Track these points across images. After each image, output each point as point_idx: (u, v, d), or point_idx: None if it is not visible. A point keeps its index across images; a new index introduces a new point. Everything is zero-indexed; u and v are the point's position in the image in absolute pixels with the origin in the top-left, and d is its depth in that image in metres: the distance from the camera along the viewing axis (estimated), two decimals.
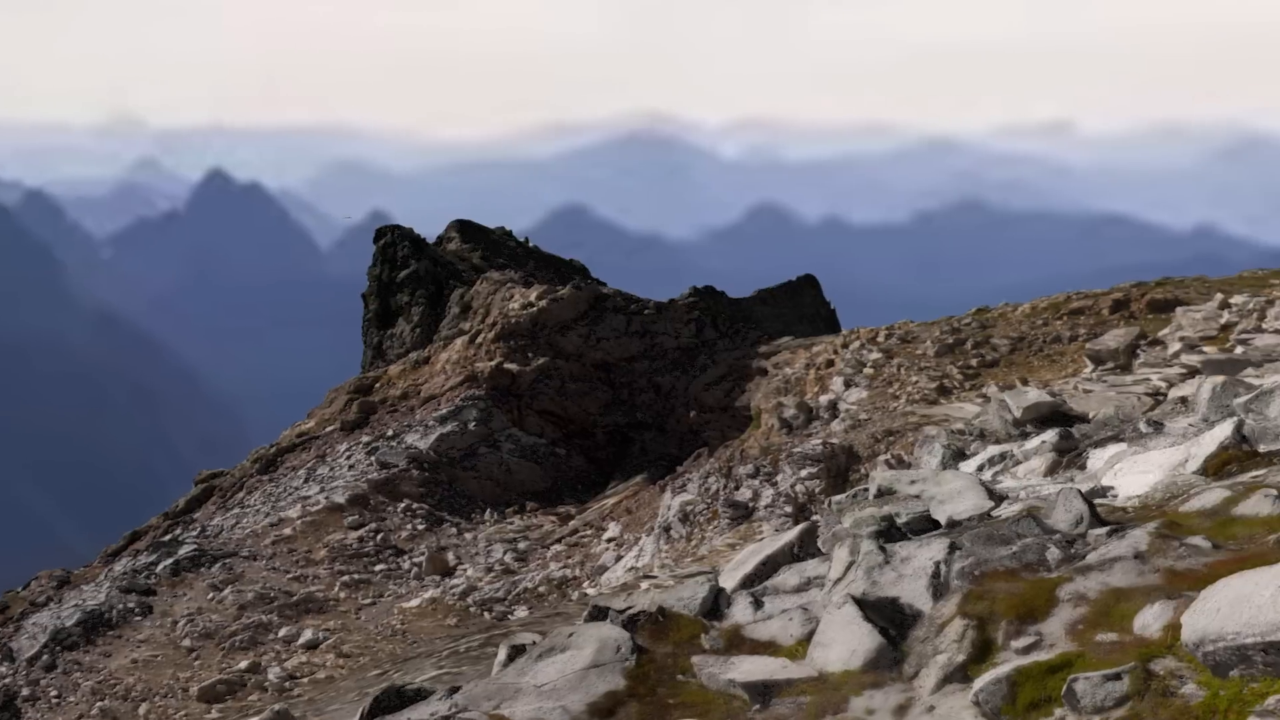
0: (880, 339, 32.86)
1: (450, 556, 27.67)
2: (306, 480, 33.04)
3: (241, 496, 34.03)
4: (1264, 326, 31.53)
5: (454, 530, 29.84)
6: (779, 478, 24.92)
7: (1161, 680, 5.80)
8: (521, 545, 28.73)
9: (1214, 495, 10.45)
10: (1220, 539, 7.94)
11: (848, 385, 30.08)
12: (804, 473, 24.48)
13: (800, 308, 44.47)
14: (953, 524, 9.05)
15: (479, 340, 37.90)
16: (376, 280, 46.43)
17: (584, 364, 36.71)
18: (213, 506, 34.51)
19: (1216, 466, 13.34)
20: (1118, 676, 5.84)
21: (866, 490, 11.34)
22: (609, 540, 28.10)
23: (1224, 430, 14.73)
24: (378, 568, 26.77)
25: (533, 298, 38.67)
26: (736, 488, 25.52)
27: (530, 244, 51.96)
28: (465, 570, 26.86)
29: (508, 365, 36.08)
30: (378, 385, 39.21)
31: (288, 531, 28.42)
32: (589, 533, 29.32)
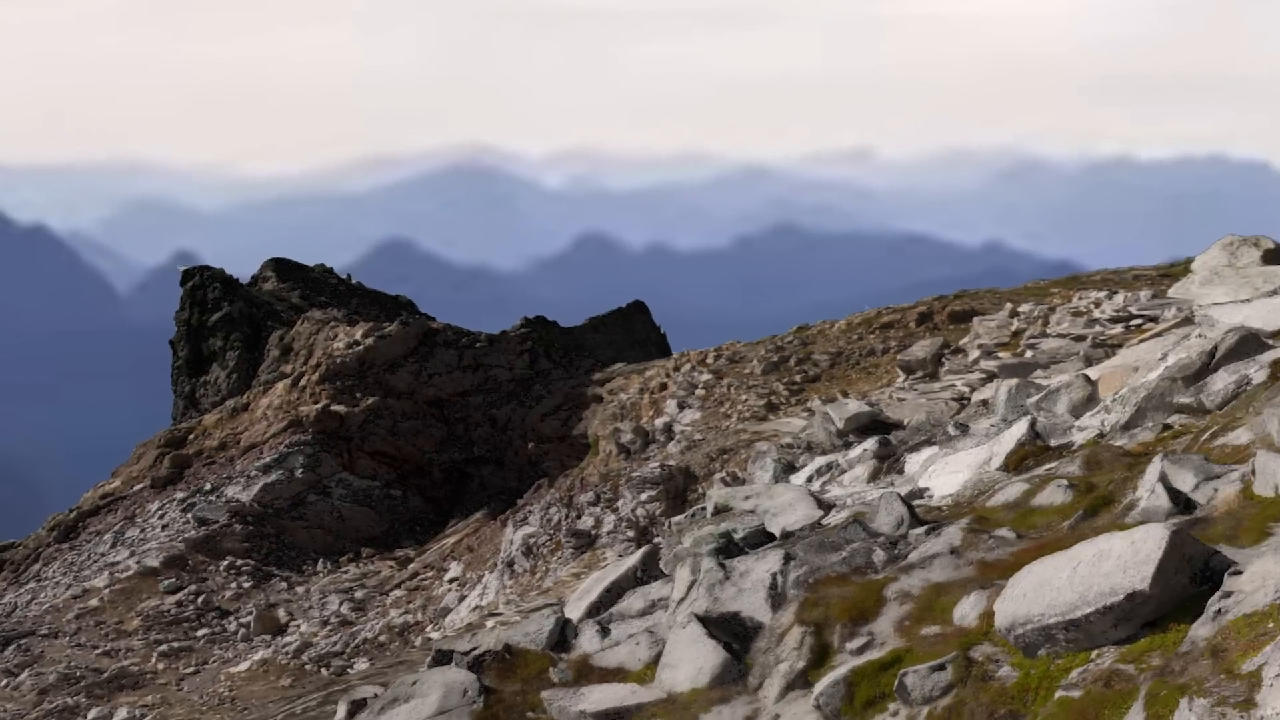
0: (710, 360, 33.81)
1: (281, 613, 26.19)
2: (114, 545, 30.51)
3: (38, 569, 31.04)
4: (1048, 331, 34.67)
5: (284, 585, 28.28)
6: (620, 503, 25.10)
7: (980, 666, 6.22)
8: (359, 594, 27.57)
9: (1015, 489, 11.36)
10: (1023, 529, 8.62)
11: (681, 407, 30.74)
12: (644, 496, 24.77)
13: (632, 333, 45.15)
14: (787, 535, 9.39)
15: (302, 383, 36.25)
16: (185, 325, 43.59)
17: (416, 401, 35.79)
18: (3, 583, 31.27)
19: (1016, 462, 14.50)
20: (942, 667, 6.22)
21: (704, 509, 11.60)
22: (451, 581, 27.39)
23: (1020, 428, 16.03)
24: (200, 632, 25.01)
25: (358, 336, 37.39)
26: (578, 516, 25.51)
27: (353, 280, 50.28)
28: (298, 626, 25.49)
29: (335, 407, 34.67)
30: (192, 437, 36.74)
31: (94, 603, 26.11)
32: (430, 575, 28.49)
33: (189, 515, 30.56)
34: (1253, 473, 9.92)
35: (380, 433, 34.80)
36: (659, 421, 30.36)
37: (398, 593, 27.59)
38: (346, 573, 29.39)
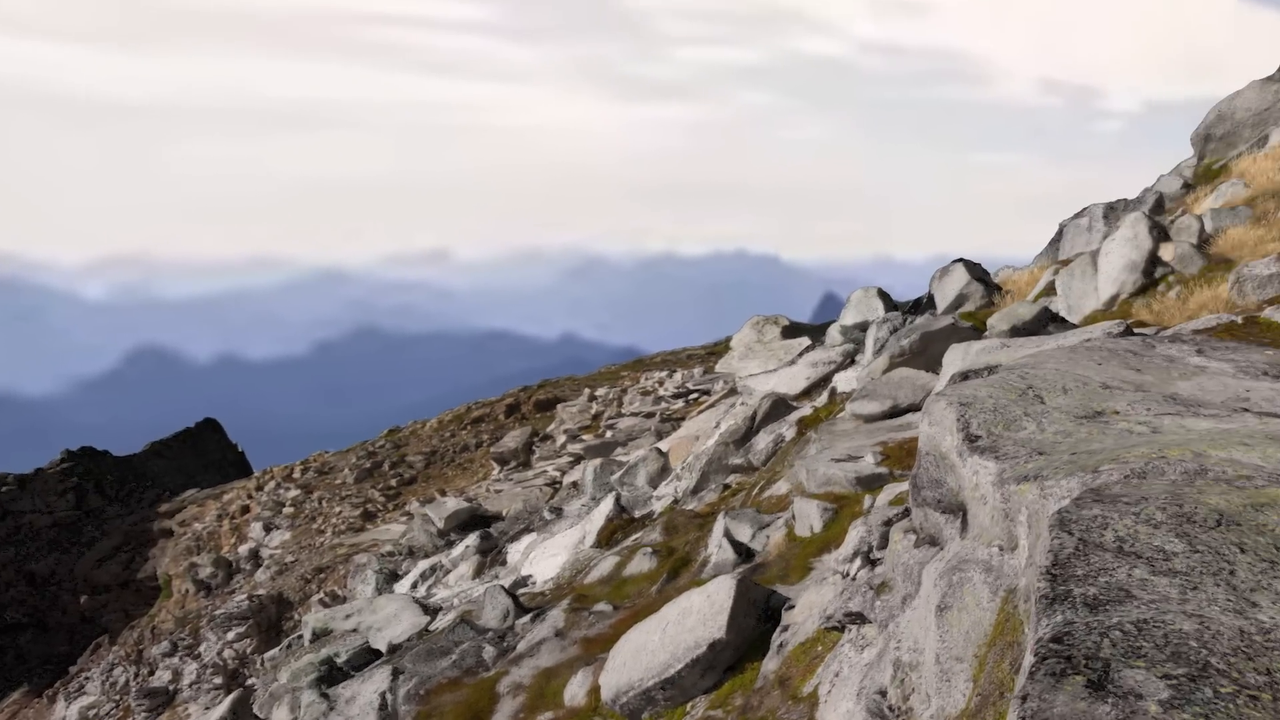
0: (297, 475, 31.72)
1: None
2: None
3: None
4: (623, 411, 37.70)
5: None
6: (202, 648, 22.31)
7: None
8: None
9: (609, 563, 12.08)
10: (618, 600, 9.18)
11: (268, 529, 28.36)
12: (231, 635, 22.28)
13: (204, 455, 40.94)
14: (394, 649, 9.02)
15: None
16: None
17: None
18: None
19: (607, 537, 15.43)
20: None
21: (302, 637, 10.76)
22: None
23: (607, 505, 17.15)
24: None
25: None
26: (151, 672, 22.19)
27: None
28: None
29: None
30: None
31: None
32: None
33: None
34: (793, 517, 11.61)
35: None
36: (243, 548, 27.72)
37: None
38: None
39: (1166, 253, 16.05)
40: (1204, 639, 2.69)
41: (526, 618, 8.86)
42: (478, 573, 19.60)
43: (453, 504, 25.99)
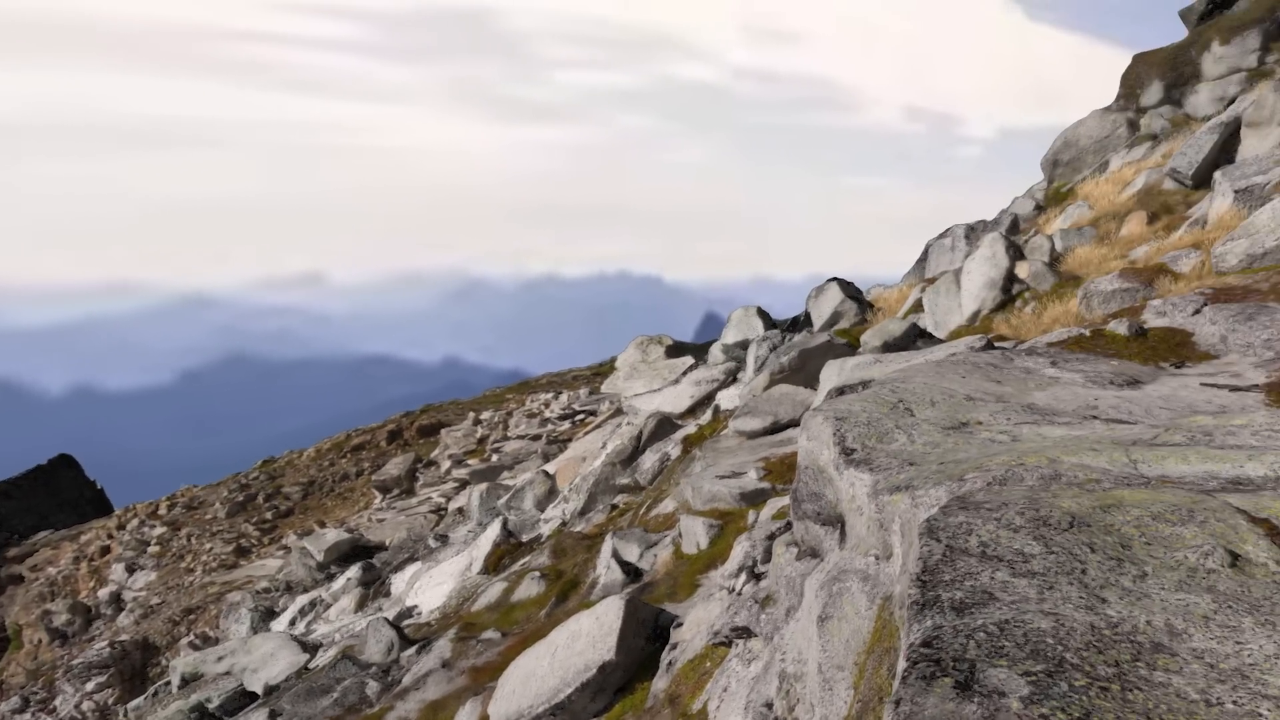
0: (163, 511, 30.08)
1: None
2: None
3: None
4: (509, 434, 37.32)
5: None
6: (58, 701, 20.80)
7: None
8: None
9: (496, 589, 11.91)
10: (507, 626, 9.06)
11: (132, 570, 26.76)
12: (90, 686, 20.84)
13: (57, 494, 38.32)
14: (271, 690, 8.65)
15: None
16: None
17: None
18: None
19: (494, 562, 15.23)
20: None
21: (169, 683, 10.20)
22: None
23: (494, 530, 16.93)
24: None
25: None
26: None
27: None
28: None
29: None
30: None
31: None
32: None
33: None
34: (680, 535, 11.73)
35: None
36: (104, 592, 26.07)
37: None
38: None
39: (1022, 270, 17.06)
40: (1059, 635, 2.86)
41: (412, 650, 8.63)
42: (360, 606, 18.98)
43: (333, 535, 25.12)
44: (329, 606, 19.90)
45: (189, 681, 9.99)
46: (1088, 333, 10.82)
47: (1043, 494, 4.22)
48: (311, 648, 11.88)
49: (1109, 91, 27.95)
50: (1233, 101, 22.38)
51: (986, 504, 4.07)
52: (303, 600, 21.12)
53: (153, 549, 28.01)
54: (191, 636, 22.30)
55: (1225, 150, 19.25)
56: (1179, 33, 28.28)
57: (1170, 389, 7.20)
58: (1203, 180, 18.71)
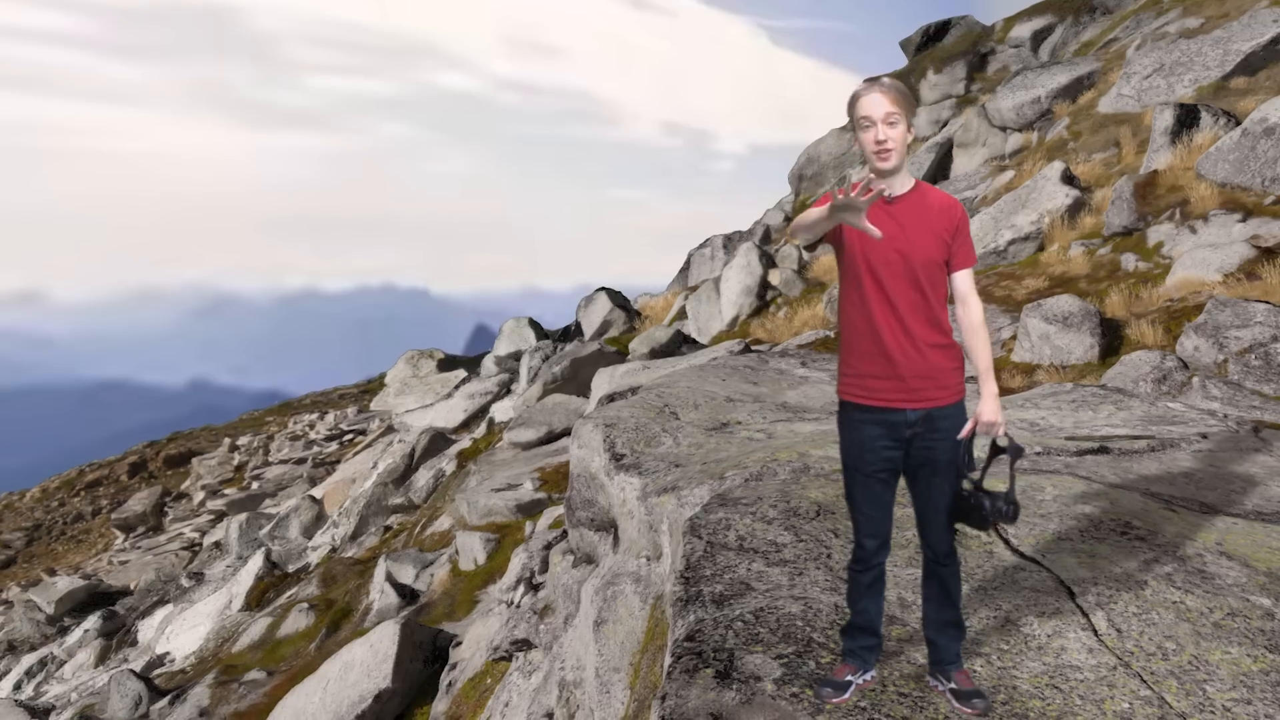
0: None
1: None
2: None
3: None
4: (270, 459, 35.07)
5: None
6: None
7: None
8: None
9: (260, 625, 11.17)
10: (273, 664, 8.53)
11: None
12: None
13: None
14: None
15: None
16: None
17: None
18: None
19: (258, 597, 14.28)
20: None
21: None
22: None
23: (256, 563, 15.87)
24: None
25: None
26: None
27: None
28: None
29: None
30: None
31: None
32: None
33: None
34: (456, 552, 11.54)
35: None
36: None
37: None
38: None
39: (775, 278, 18.24)
40: (808, 618, 3.11)
41: (164, 701, 7.94)
42: (102, 659, 17.17)
43: (65, 583, 22.55)
44: (63, 664, 17.87)
45: None
46: (832, 334, 11.72)
47: (793, 486, 4.55)
48: (42, 712, 10.60)
49: (845, 113, 30.45)
50: (945, 124, 25.08)
51: (744, 499, 4.33)
52: (29, 660, 18.83)
53: None
54: None
55: (942, 167, 21.54)
56: (900, 61, 31.31)
57: None
58: None
